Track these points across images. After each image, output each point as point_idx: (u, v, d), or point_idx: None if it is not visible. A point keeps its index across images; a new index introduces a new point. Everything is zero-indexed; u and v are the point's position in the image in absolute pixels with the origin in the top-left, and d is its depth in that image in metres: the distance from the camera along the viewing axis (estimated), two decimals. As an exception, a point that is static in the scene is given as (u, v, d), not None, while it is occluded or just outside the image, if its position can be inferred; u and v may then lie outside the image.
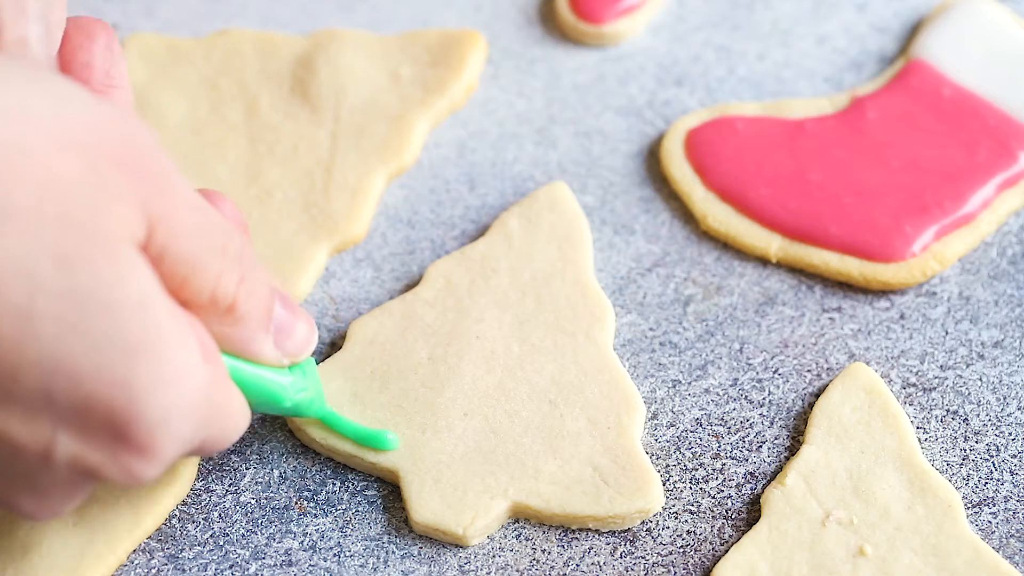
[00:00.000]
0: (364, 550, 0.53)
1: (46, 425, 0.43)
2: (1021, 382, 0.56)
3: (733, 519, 0.53)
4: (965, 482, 0.54)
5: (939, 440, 0.55)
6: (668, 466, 0.54)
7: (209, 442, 0.47)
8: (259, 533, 0.53)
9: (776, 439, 0.55)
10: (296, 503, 0.54)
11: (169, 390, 0.43)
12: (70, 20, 0.50)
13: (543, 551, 0.53)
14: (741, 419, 0.55)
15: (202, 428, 0.46)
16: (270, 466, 0.55)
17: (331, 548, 0.53)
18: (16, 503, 0.45)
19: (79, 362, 0.42)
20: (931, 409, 0.56)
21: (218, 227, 0.47)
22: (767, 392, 0.56)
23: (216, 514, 0.54)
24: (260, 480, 0.54)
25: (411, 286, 0.59)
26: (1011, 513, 0.53)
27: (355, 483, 0.54)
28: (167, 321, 0.43)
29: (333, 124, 0.62)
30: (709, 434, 0.55)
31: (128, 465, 0.44)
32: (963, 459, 0.54)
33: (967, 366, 0.57)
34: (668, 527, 0.53)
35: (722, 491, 0.54)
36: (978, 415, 0.55)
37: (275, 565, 0.52)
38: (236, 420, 0.48)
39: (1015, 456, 0.54)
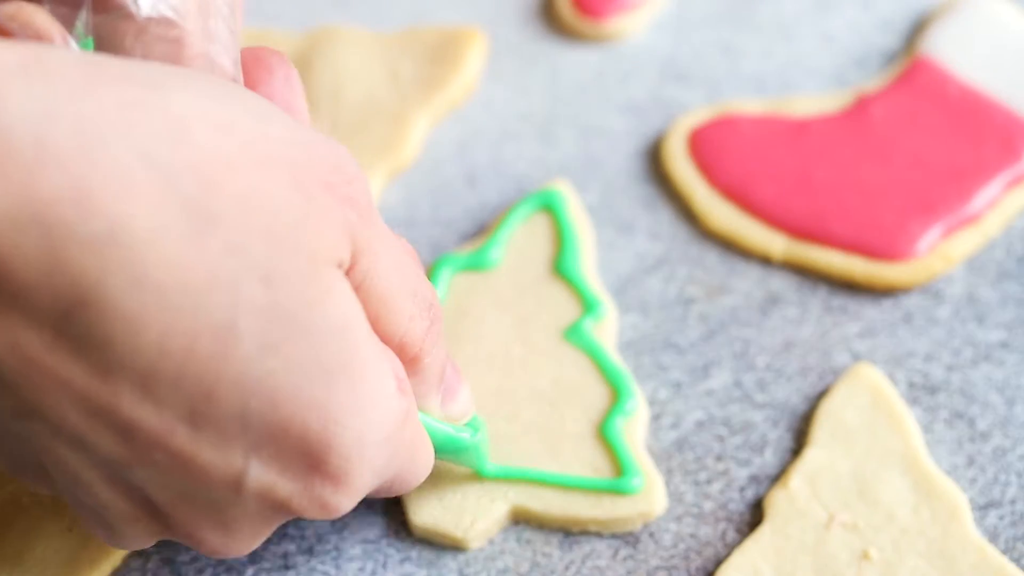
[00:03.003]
0: (363, 553, 0.53)
1: (239, 451, 0.41)
2: (1028, 383, 0.56)
3: (736, 522, 0.53)
4: (971, 484, 0.53)
5: (945, 442, 0.55)
6: (670, 468, 0.54)
7: (399, 479, 0.46)
8: (256, 536, 0.53)
9: (779, 441, 0.55)
10: (294, 506, 0.54)
11: (366, 416, 0.42)
12: (247, 51, 0.48)
13: (544, 554, 0.52)
14: (744, 421, 0.55)
15: (394, 461, 0.45)
16: (267, 468, 0.54)
17: (329, 551, 0.53)
18: (201, 537, 0.44)
19: (278, 383, 0.41)
20: (937, 410, 0.55)
21: (413, 269, 0.46)
22: (770, 393, 0.56)
23: (213, 517, 0.53)
24: (257, 483, 0.54)
25: (410, 286, 0.59)
26: (1018, 516, 0.53)
27: (353, 486, 0.54)
28: (367, 347, 0.42)
29: (331, 122, 0.62)
30: (712, 436, 0.55)
31: (321, 495, 0.43)
32: (969, 461, 0.54)
33: (973, 367, 0.56)
34: (670, 530, 0.53)
35: (725, 493, 0.54)
36: (984, 416, 0.55)
37: (273, 568, 0.52)
38: (425, 458, 0.47)
39: (1022, 458, 0.54)
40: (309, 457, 0.42)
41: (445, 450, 0.50)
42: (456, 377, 0.50)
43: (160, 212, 0.39)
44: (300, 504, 0.43)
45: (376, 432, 0.43)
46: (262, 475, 0.42)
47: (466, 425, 0.51)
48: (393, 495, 0.48)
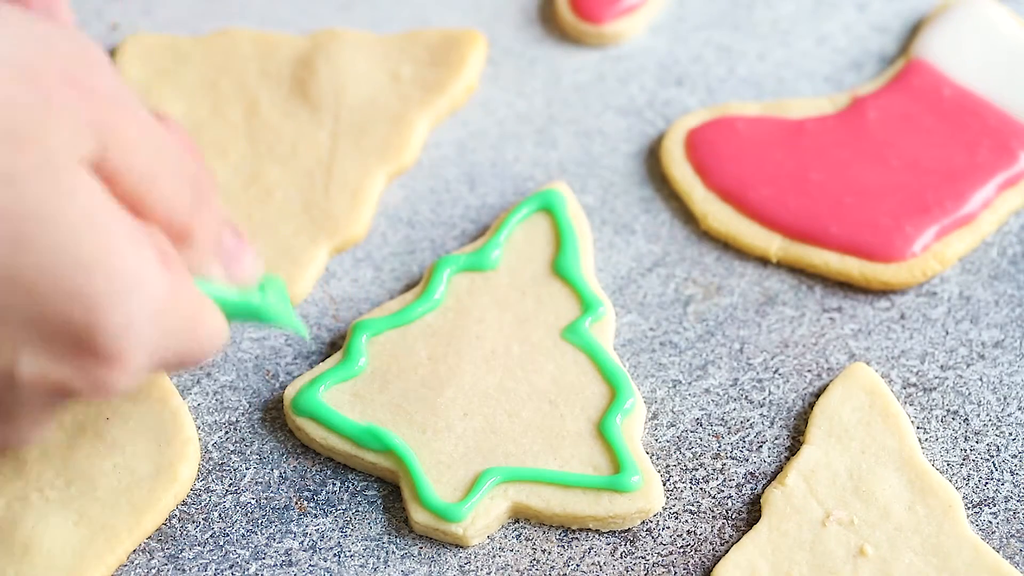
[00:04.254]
0: (364, 550, 0.53)
1: (6, 344, 0.42)
2: (1021, 382, 0.56)
3: (733, 519, 0.53)
4: (965, 482, 0.54)
5: (939, 440, 0.55)
6: (668, 466, 0.54)
7: (184, 352, 0.46)
8: (259, 533, 0.53)
9: (776, 439, 0.55)
10: (296, 503, 0.54)
11: (128, 298, 0.43)
12: None
13: (543, 551, 0.53)
14: (741, 419, 0.55)
15: (172, 335, 0.45)
16: (270, 466, 0.55)
17: (331, 548, 0.53)
18: None
19: (33, 279, 0.42)
20: (931, 409, 0.55)
21: (171, 148, 0.46)
22: (767, 392, 0.56)
23: (216, 514, 0.54)
24: (260, 480, 0.54)
25: (411, 286, 0.59)
26: (1011, 513, 0.53)
27: (355, 483, 0.54)
28: (119, 232, 0.43)
29: (333, 124, 0.62)
30: (709, 434, 0.55)
31: (96, 377, 0.43)
32: (963, 459, 0.54)
33: (967, 366, 0.57)
34: (668, 527, 0.53)
35: (722, 491, 0.54)
36: (978, 415, 0.55)
37: (275, 565, 0.52)
38: (210, 327, 0.47)
39: (1015, 456, 0.54)
40: (78, 343, 0.43)
41: (237, 314, 0.49)
42: (238, 243, 0.50)
43: None
44: (77, 386, 0.44)
45: (141, 310, 0.43)
46: (33, 364, 0.43)
47: (258, 287, 0.50)
48: (188, 367, 0.48)
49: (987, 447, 0.54)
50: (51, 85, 0.43)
